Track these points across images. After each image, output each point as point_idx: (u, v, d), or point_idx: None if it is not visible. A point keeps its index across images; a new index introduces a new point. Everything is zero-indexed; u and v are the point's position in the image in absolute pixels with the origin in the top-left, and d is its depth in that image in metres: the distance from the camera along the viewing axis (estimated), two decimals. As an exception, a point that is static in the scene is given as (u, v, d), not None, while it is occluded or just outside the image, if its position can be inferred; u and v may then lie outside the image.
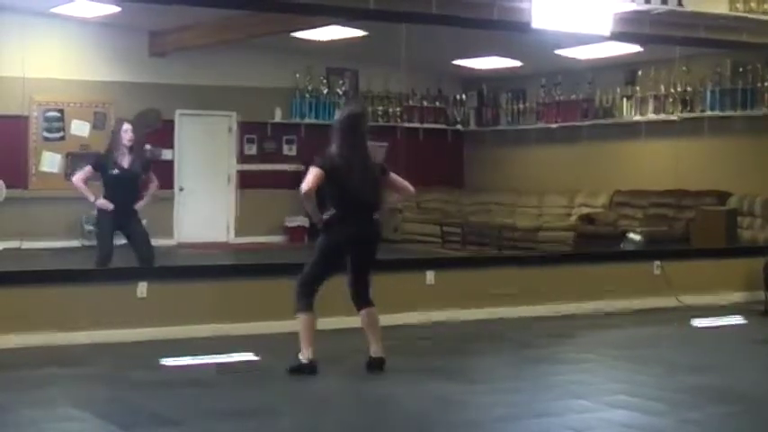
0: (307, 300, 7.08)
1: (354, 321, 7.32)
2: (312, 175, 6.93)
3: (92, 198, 9.29)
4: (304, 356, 7.00)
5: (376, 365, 7.10)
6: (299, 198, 7.09)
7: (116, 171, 9.23)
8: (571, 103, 16.15)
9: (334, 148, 7.03)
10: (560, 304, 9.85)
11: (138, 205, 9.42)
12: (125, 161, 9.26)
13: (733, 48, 12.38)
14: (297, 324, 7.09)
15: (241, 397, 6.41)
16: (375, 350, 7.13)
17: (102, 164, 9.35)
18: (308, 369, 6.97)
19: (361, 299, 7.20)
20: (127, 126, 9.45)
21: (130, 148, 9.33)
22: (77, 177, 9.42)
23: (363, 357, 7.12)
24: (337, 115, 7.56)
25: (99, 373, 7.08)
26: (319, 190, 6.99)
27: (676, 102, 14.47)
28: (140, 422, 5.78)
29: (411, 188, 7.38)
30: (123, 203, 9.24)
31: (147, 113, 15.13)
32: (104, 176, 9.32)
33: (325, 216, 7.03)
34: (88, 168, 9.39)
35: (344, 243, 7.07)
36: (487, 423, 5.89)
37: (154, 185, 9.69)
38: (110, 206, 9.18)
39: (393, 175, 7.25)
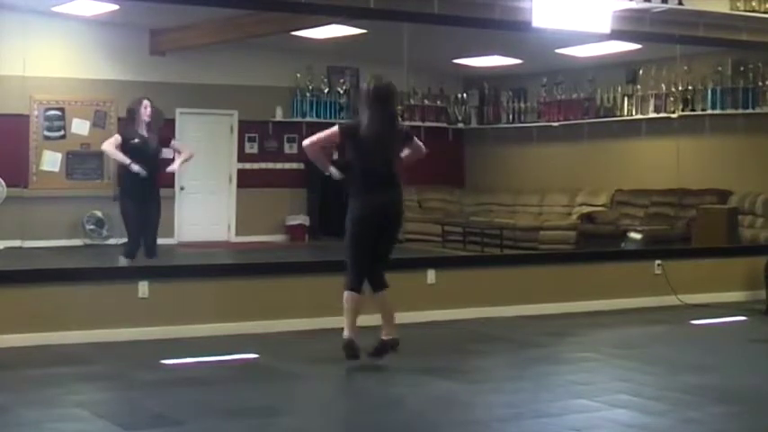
0: (351, 279, 7.09)
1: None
2: (323, 133, 7.03)
3: (127, 161, 9.40)
4: (344, 334, 7.03)
5: (390, 346, 7.13)
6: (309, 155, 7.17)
7: (137, 140, 9.44)
8: (572, 101, 16.12)
9: (362, 119, 7.07)
10: (561, 303, 9.83)
11: (171, 168, 9.86)
12: (145, 134, 9.50)
13: (734, 47, 12.37)
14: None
15: (242, 396, 6.41)
16: (388, 332, 7.18)
17: (126, 132, 9.58)
18: (344, 346, 6.99)
19: (378, 281, 7.19)
20: (146, 102, 9.64)
21: (149, 125, 9.49)
22: (109, 143, 9.64)
23: (364, 356, 7.12)
24: (362, 87, 7.44)
25: (100, 373, 7.07)
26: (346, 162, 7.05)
27: (677, 100, 14.46)
28: (141, 422, 5.77)
29: (424, 150, 7.44)
30: (143, 177, 9.39)
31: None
32: (125, 146, 9.47)
33: (334, 170, 7.08)
34: (117, 136, 9.66)
35: (368, 216, 7.08)
36: (488, 423, 5.88)
37: (188, 152, 10.03)
38: (143, 171, 9.32)
39: (416, 141, 7.33)
